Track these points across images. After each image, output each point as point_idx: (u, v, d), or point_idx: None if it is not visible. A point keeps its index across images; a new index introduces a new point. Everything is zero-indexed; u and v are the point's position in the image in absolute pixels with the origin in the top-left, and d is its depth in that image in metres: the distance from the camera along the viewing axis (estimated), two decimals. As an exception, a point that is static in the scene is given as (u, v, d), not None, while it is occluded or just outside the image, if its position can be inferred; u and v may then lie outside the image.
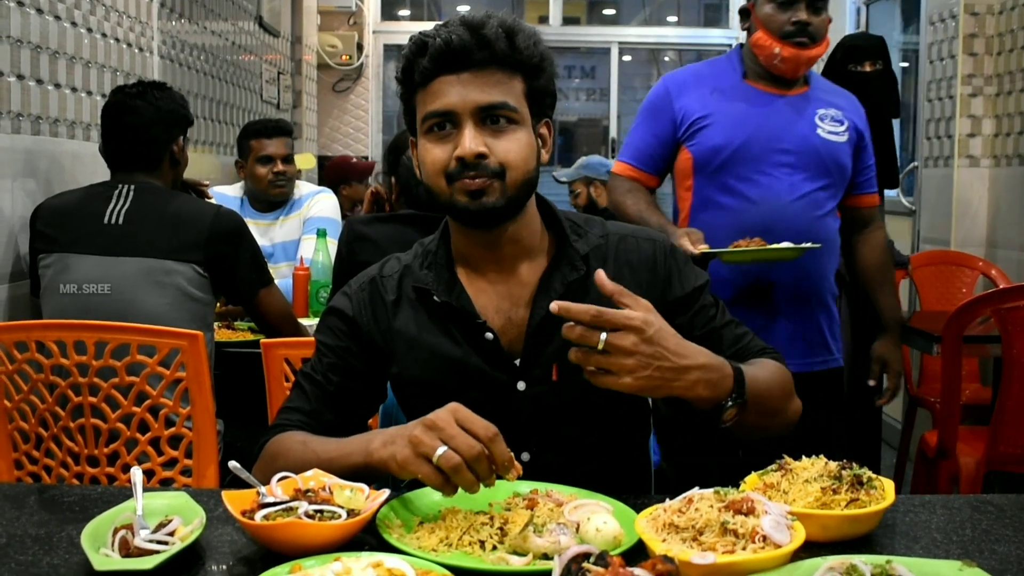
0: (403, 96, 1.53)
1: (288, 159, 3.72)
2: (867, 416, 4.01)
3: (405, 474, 1.26)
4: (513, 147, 1.46)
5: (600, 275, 1.31)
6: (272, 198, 3.74)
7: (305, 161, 5.35)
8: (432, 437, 1.23)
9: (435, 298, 1.53)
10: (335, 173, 5.45)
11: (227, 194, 3.78)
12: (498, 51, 1.45)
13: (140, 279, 2.45)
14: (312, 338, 2.60)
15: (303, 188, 3.86)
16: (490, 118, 1.45)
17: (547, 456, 1.53)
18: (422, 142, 1.49)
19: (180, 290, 2.47)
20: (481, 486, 1.23)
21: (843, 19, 6.29)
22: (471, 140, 1.43)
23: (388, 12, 7.23)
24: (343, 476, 1.31)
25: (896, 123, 5.07)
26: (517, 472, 1.25)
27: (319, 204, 3.75)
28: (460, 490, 1.23)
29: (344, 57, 6.72)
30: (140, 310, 2.42)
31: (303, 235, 3.67)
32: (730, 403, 1.38)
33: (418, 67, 1.47)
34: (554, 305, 1.27)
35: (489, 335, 1.51)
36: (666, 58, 7.62)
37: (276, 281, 2.72)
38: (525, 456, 1.53)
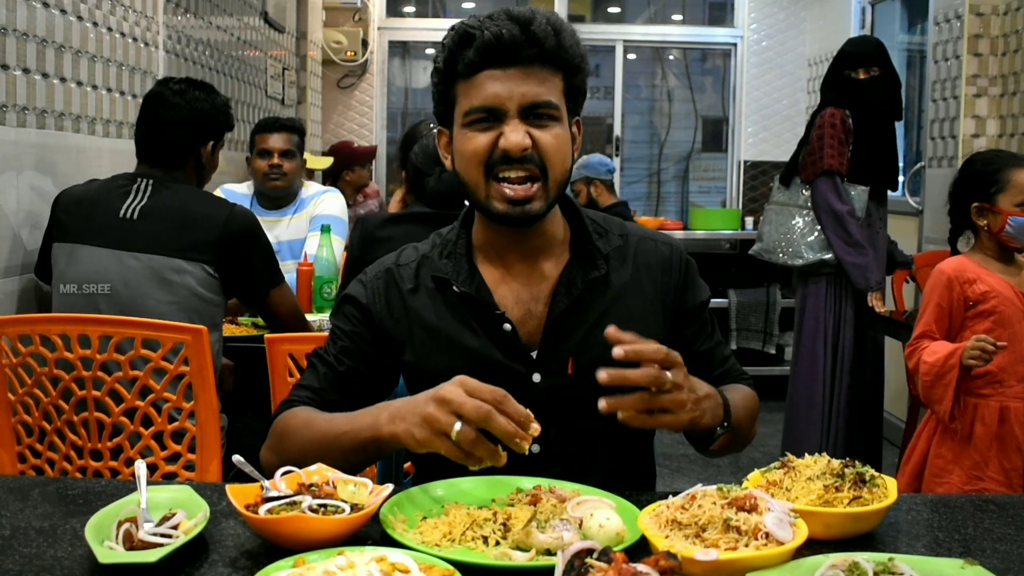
0: (439, 86, 1.52)
1: (287, 154, 3.72)
2: (869, 414, 4.02)
3: (423, 450, 1.28)
4: (555, 143, 1.46)
5: (611, 331, 1.31)
6: (268, 191, 3.75)
7: (320, 162, 5.35)
8: (446, 413, 1.24)
9: (454, 288, 1.53)
10: (338, 159, 5.53)
11: (236, 191, 3.79)
12: (547, 48, 1.45)
13: (146, 277, 2.44)
14: (316, 333, 2.61)
15: (310, 188, 3.87)
16: (534, 115, 1.45)
17: (555, 449, 1.53)
18: (461, 132, 1.49)
19: (189, 290, 2.46)
20: (504, 455, 1.24)
21: (847, 19, 6.28)
22: (517, 134, 1.43)
23: (393, 8, 7.21)
24: (351, 452, 1.33)
25: (901, 124, 5.06)
26: (536, 430, 1.25)
27: (325, 203, 3.76)
28: (466, 492, 1.25)
29: (349, 53, 6.71)
30: (143, 310, 2.41)
31: (309, 233, 3.68)
32: (720, 431, 1.45)
33: (463, 58, 1.46)
34: (619, 351, 1.27)
35: (507, 326, 1.52)
36: (671, 56, 7.61)
37: (281, 279, 2.72)
38: (535, 448, 1.53)
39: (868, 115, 3.86)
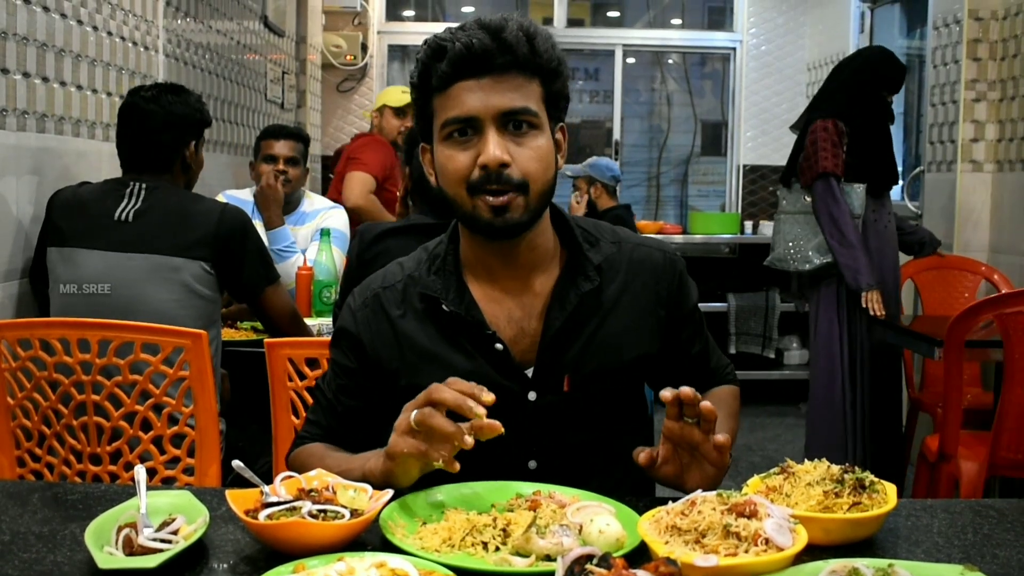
0: (418, 101, 1.50)
1: (292, 161, 3.75)
2: (890, 413, 4.01)
3: (398, 470, 1.33)
4: (535, 156, 1.44)
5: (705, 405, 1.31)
6: None
7: (392, 97, 5.16)
8: (404, 416, 1.32)
9: (444, 307, 1.51)
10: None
11: (238, 196, 3.79)
12: (519, 55, 1.43)
13: (146, 276, 2.47)
14: (316, 338, 2.61)
15: (315, 201, 3.88)
16: (512, 123, 1.43)
17: (553, 463, 1.53)
18: (440, 148, 1.47)
19: (186, 287, 2.49)
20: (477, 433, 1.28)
21: (847, 24, 6.28)
22: (495, 147, 1.41)
23: (393, 12, 7.22)
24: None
25: (900, 128, 5.06)
26: (489, 399, 1.29)
27: (330, 218, 3.78)
28: (466, 497, 1.26)
29: (348, 57, 6.71)
30: (145, 307, 2.43)
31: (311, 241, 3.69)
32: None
33: (436, 71, 1.44)
34: (667, 392, 1.30)
35: (499, 346, 1.50)
36: (670, 60, 7.61)
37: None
38: (532, 464, 1.53)
39: (869, 123, 3.89)
